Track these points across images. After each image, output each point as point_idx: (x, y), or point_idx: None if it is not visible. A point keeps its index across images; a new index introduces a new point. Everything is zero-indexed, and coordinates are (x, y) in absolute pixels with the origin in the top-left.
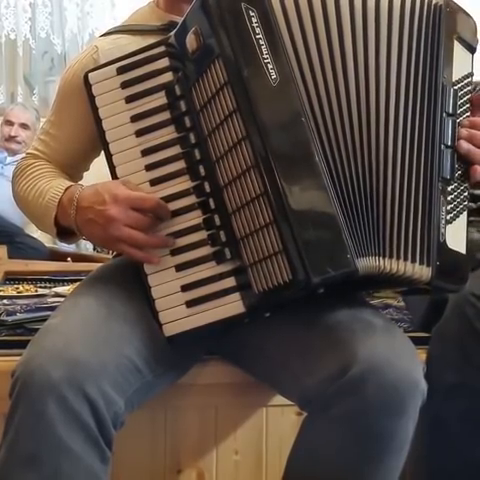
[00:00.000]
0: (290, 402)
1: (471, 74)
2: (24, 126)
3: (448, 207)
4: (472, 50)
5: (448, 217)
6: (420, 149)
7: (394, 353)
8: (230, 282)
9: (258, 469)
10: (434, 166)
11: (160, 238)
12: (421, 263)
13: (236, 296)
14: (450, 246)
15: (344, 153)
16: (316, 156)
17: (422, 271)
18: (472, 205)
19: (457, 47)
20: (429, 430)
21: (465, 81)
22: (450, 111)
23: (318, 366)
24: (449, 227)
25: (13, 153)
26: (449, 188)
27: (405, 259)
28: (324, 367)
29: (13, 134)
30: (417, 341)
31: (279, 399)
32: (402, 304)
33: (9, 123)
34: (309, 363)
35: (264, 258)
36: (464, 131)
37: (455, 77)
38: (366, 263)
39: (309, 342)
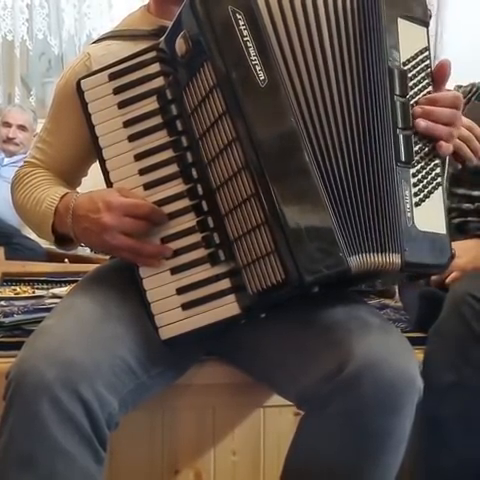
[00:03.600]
0: (288, 402)
1: (426, 48)
2: (22, 128)
3: (416, 189)
4: (424, 24)
5: (417, 199)
6: (382, 136)
7: (390, 351)
8: (225, 284)
9: (256, 469)
10: (390, 151)
11: (157, 247)
12: (394, 251)
13: (231, 298)
14: (422, 228)
15: (332, 150)
16: (306, 156)
17: (395, 259)
18: (470, 206)
19: (404, 25)
20: (426, 429)
21: (420, 57)
22: (398, 92)
23: (315, 365)
24: (419, 209)
25: (11, 154)
26: (413, 170)
27: (380, 251)
28: (321, 366)
29: (11, 136)
30: (414, 341)
31: (277, 399)
32: (399, 304)
33: (7, 124)
34: (306, 362)
35: (257, 259)
36: (419, 109)
37: (407, 56)
38: (357, 260)
39: (306, 341)
